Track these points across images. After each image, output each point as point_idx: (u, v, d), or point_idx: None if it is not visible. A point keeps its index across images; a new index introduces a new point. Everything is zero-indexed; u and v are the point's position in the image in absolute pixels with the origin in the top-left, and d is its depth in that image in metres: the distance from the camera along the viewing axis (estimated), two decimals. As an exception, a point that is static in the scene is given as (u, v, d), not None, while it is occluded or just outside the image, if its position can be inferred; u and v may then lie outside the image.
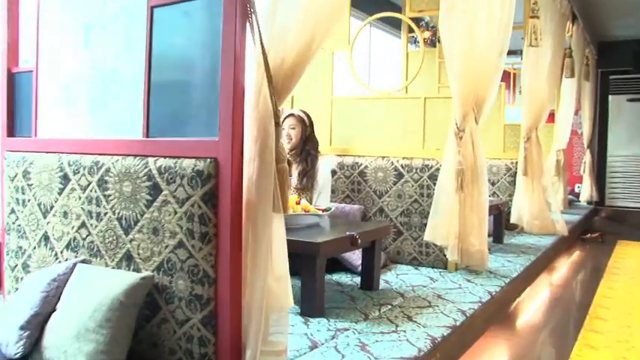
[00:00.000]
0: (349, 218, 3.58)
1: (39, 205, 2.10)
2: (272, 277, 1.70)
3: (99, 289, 1.71)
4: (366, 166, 3.67)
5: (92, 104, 2.10)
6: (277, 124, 1.69)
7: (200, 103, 1.79)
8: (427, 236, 3.25)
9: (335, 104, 3.91)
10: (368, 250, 2.90)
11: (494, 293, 2.91)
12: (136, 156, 1.82)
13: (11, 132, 2.29)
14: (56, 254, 2.04)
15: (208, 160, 1.66)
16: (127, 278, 1.72)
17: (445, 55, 3.17)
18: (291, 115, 3.43)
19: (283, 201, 1.71)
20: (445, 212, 3.20)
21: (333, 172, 3.78)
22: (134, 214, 1.82)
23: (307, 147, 3.42)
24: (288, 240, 2.35)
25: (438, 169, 3.34)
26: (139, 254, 1.81)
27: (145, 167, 1.78)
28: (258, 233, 1.69)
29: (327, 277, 3.07)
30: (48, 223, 2.07)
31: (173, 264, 1.73)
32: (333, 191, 3.76)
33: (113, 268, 1.87)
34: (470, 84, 3.18)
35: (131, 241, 1.83)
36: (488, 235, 4.32)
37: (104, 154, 1.91)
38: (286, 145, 3.42)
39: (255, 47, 1.67)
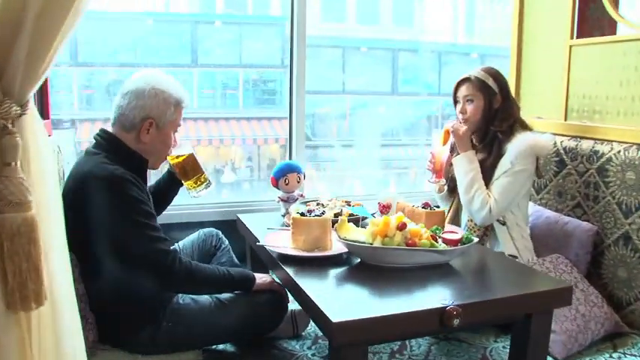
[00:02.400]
0: (571, 243, 2.21)
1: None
2: None
3: None
4: (609, 159, 2.16)
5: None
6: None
7: None
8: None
9: (575, 54, 2.41)
10: (520, 330, 1.63)
11: None
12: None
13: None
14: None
15: None
16: None
17: None
18: (466, 79, 2.21)
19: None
20: None
21: (560, 163, 2.38)
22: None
23: (494, 125, 2.18)
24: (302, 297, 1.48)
25: None
26: None
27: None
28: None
29: (486, 345, 1.94)
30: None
31: None
32: (559, 194, 2.39)
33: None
34: None
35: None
36: None
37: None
38: (463, 129, 2.25)
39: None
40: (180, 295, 1.81)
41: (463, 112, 2.20)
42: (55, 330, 1.03)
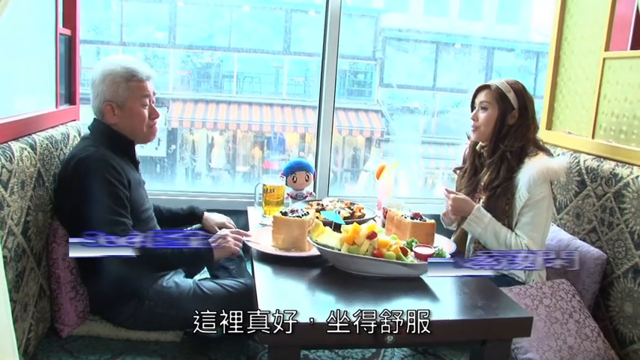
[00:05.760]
0: (578, 270, 2.08)
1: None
2: None
3: None
4: (627, 184, 2.00)
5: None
6: None
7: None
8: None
9: (608, 67, 2.23)
10: (475, 356, 1.59)
11: None
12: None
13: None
14: None
15: None
16: None
17: None
18: (486, 87, 2.13)
19: None
20: None
21: (581, 184, 2.23)
22: None
23: (504, 144, 2.08)
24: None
25: None
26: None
27: None
28: None
29: None
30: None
31: None
32: (577, 216, 2.25)
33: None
34: None
35: None
36: None
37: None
38: (472, 136, 2.19)
39: None
40: (165, 277, 1.94)
41: (475, 118, 2.13)
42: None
